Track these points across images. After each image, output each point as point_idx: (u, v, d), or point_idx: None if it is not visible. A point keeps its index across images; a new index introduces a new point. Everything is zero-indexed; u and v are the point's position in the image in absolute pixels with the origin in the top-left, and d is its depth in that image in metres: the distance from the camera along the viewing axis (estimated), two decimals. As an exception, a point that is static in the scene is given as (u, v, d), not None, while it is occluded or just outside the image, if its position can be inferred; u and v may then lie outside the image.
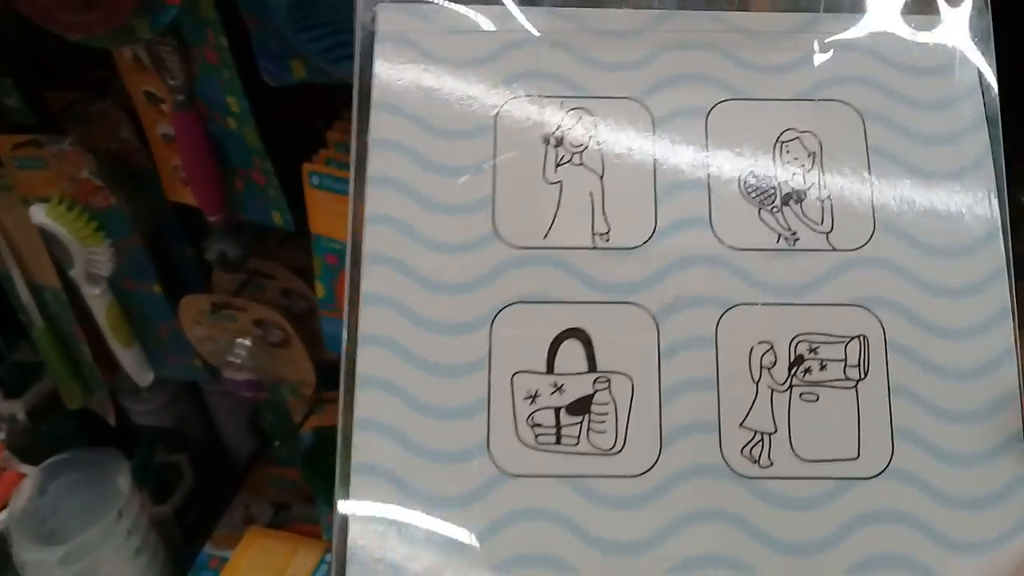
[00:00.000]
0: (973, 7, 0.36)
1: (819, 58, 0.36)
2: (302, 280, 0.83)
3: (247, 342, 0.83)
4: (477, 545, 0.32)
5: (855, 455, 0.33)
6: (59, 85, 0.85)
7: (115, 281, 0.87)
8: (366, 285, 0.34)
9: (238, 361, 0.84)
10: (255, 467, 1.11)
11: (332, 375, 0.88)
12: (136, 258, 0.85)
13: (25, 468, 0.98)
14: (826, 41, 0.36)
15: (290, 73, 0.69)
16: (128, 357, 0.90)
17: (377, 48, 0.36)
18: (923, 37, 0.36)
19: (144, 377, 0.93)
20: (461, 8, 0.36)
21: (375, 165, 0.36)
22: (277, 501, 1.07)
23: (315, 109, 0.80)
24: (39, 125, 0.83)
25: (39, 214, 0.81)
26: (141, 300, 0.88)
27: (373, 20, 0.36)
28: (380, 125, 0.36)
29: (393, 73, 0.36)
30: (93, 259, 0.83)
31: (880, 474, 0.32)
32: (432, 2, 0.37)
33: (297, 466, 1.06)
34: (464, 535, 0.32)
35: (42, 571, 0.90)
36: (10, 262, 0.88)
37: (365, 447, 0.33)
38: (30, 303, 0.90)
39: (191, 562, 1.00)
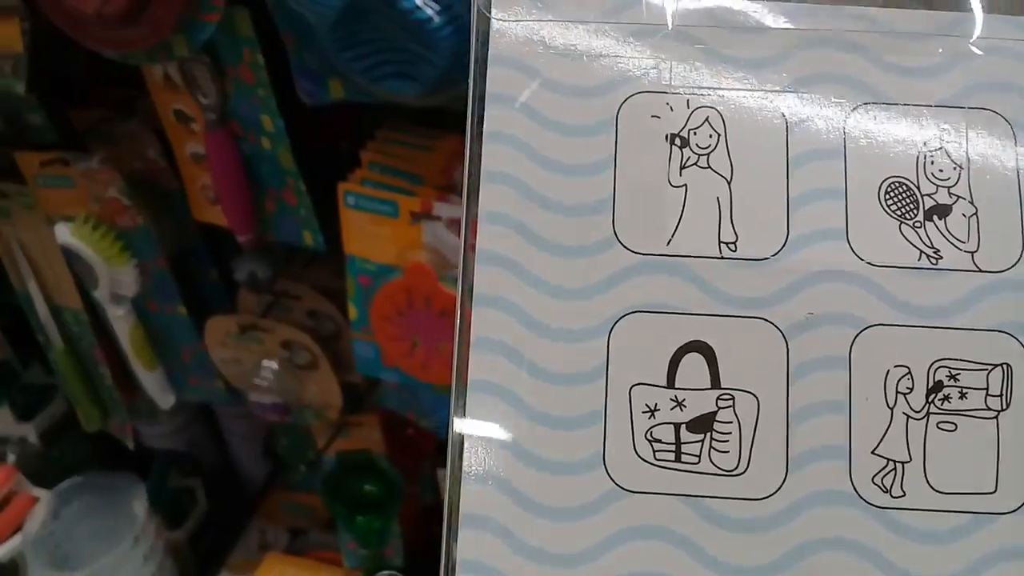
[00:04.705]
0: None
1: (969, 62, 0.34)
2: (329, 301, 0.83)
3: (274, 364, 0.82)
4: (590, 560, 0.31)
5: (992, 489, 0.31)
6: (83, 103, 0.84)
7: (138, 302, 0.86)
8: (479, 286, 0.33)
9: (264, 384, 0.83)
10: (269, 492, 1.09)
11: (357, 398, 0.88)
12: (160, 279, 0.84)
13: (37, 491, 0.96)
14: (977, 44, 0.34)
15: (327, 92, 0.68)
16: (150, 379, 0.89)
17: (493, 37, 0.34)
18: None
19: (166, 400, 0.91)
20: None
21: (490, 161, 0.33)
22: (293, 527, 1.05)
23: (344, 128, 0.80)
24: (62, 143, 0.82)
25: (64, 233, 0.80)
26: (165, 322, 0.87)
27: (489, 5, 0.34)
28: (495, 120, 0.34)
29: (509, 65, 0.34)
30: (118, 280, 0.82)
31: (1018, 509, 0.31)
32: None
33: (312, 491, 1.04)
34: (577, 549, 0.31)
35: (57, 596, 0.88)
36: (30, 282, 0.87)
37: (476, 453, 0.31)
38: (49, 324, 0.89)
39: (208, 588, 0.98)
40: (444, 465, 0.32)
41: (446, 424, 0.32)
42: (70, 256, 0.82)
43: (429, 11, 0.57)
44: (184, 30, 0.65)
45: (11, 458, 0.99)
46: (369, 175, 0.72)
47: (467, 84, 0.34)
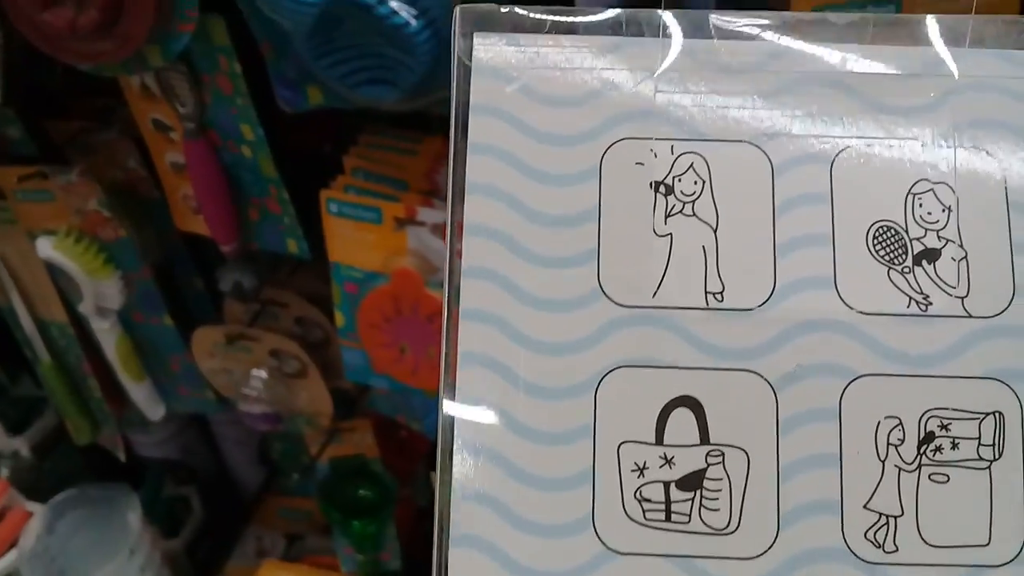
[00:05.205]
0: None
1: (956, 100, 0.32)
2: (316, 308, 0.82)
3: (263, 373, 0.82)
4: None
5: (985, 541, 0.30)
6: (60, 114, 0.83)
7: (124, 314, 0.85)
8: (463, 343, 0.31)
9: (254, 393, 0.82)
10: (265, 498, 1.09)
11: (348, 404, 0.87)
12: (145, 290, 0.84)
13: (31, 506, 0.96)
14: (964, 81, 0.33)
15: (306, 99, 0.67)
16: (139, 391, 0.88)
17: (473, 83, 0.33)
18: None
19: (155, 411, 0.91)
20: (566, 39, 0.33)
21: (472, 212, 0.32)
22: (289, 532, 1.05)
23: (325, 135, 0.79)
24: (41, 156, 0.81)
25: (46, 247, 0.79)
26: (151, 333, 0.87)
27: (470, 52, 0.33)
28: (477, 168, 0.33)
29: (490, 110, 0.33)
30: (102, 292, 0.81)
31: (1011, 562, 0.30)
32: (533, 33, 0.33)
33: (308, 495, 1.04)
34: None
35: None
36: (14, 297, 0.86)
37: (464, 514, 0.31)
38: (35, 338, 0.88)
39: (206, 596, 0.98)
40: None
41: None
42: (53, 270, 0.81)
43: (406, 16, 0.56)
44: (159, 40, 0.64)
45: (4, 472, 0.99)
46: (352, 181, 0.71)
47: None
